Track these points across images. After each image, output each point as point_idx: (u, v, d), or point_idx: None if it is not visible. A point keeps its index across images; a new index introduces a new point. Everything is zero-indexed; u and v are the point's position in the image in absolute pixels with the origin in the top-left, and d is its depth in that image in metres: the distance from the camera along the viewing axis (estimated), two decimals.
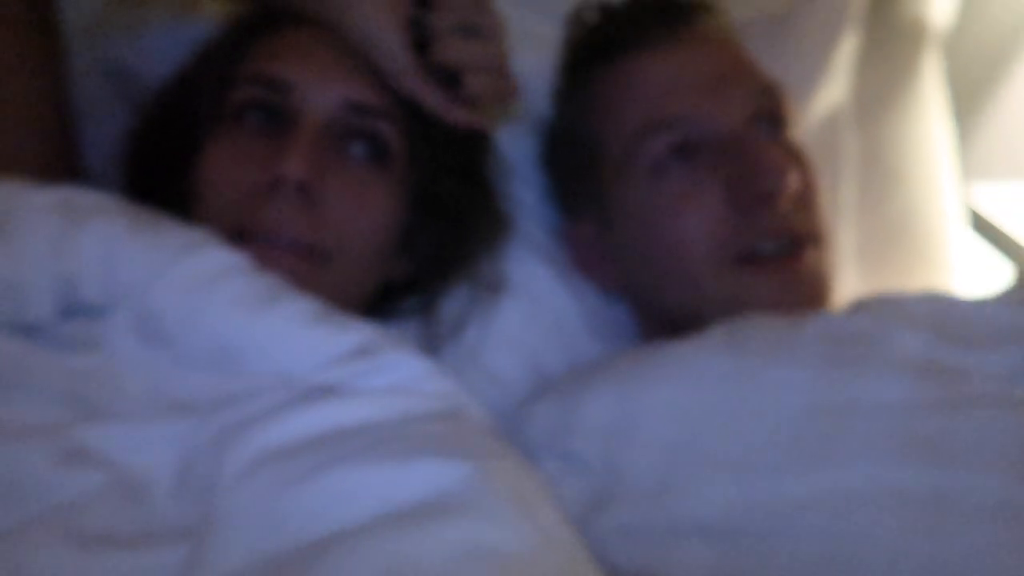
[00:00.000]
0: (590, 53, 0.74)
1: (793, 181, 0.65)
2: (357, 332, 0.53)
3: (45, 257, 0.50)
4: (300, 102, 0.61)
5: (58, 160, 0.65)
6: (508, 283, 0.73)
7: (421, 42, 0.62)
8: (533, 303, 0.75)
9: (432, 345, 0.69)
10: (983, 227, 1.05)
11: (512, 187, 0.75)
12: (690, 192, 0.67)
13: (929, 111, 0.96)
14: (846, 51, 0.90)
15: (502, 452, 0.48)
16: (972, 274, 0.98)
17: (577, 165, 0.75)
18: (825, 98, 0.90)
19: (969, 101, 1.06)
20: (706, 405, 0.57)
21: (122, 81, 0.74)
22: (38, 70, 0.65)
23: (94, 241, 0.51)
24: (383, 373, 0.51)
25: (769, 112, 0.69)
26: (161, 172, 0.65)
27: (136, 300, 0.51)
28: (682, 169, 0.67)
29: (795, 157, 0.69)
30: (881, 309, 0.63)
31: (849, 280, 0.89)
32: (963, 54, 1.02)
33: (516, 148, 0.77)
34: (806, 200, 0.68)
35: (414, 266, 0.69)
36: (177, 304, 0.51)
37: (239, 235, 0.57)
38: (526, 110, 0.77)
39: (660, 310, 0.73)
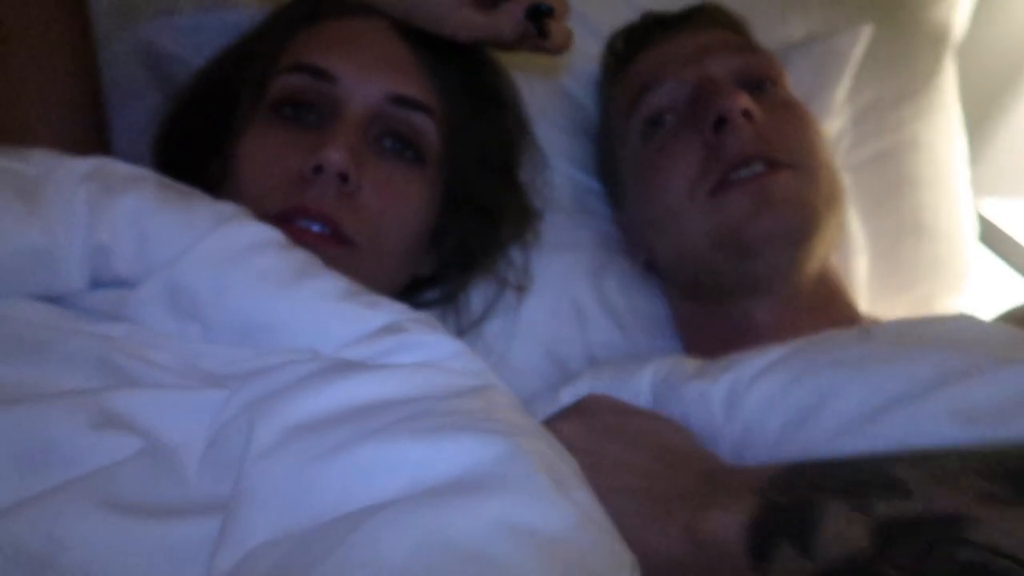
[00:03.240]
0: (611, 69, 0.83)
1: (744, 102, 0.68)
2: (388, 311, 0.52)
3: (78, 227, 0.50)
4: (343, 93, 0.61)
5: (87, 139, 0.65)
6: (533, 276, 0.73)
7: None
8: (555, 295, 0.75)
9: (454, 335, 0.69)
10: (991, 237, 1.06)
11: (545, 180, 0.76)
12: (671, 145, 0.72)
13: (945, 116, 0.97)
14: (842, 92, 0.92)
15: (535, 430, 0.48)
16: (980, 281, 0.99)
17: (604, 158, 0.82)
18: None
19: (979, 119, 1.07)
20: None
21: (154, 64, 0.75)
22: (69, 48, 0.65)
23: (127, 212, 0.51)
24: (413, 351, 0.50)
25: (751, 71, 0.74)
26: (193, 156, 0.65)
27: (166, 272, 0.50)
28: (666, 127, 0.74)
29: (781, 107, 0.73)
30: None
31: (861, 278, 0.90)
32: (973, 75, 1.03)
33: (549, 142, 0.79)
34: (786, 134, 0.71)
35: (441, 261, 0.69)
36: (207, 277, 0.50)
37: (276, 220, 0.57)
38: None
39: (670, 269, 0.77)
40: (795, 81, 0.84)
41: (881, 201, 0.92)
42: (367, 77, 0.62)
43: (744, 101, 0.69)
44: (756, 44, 0.81)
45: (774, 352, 0.59)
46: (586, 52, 0.86)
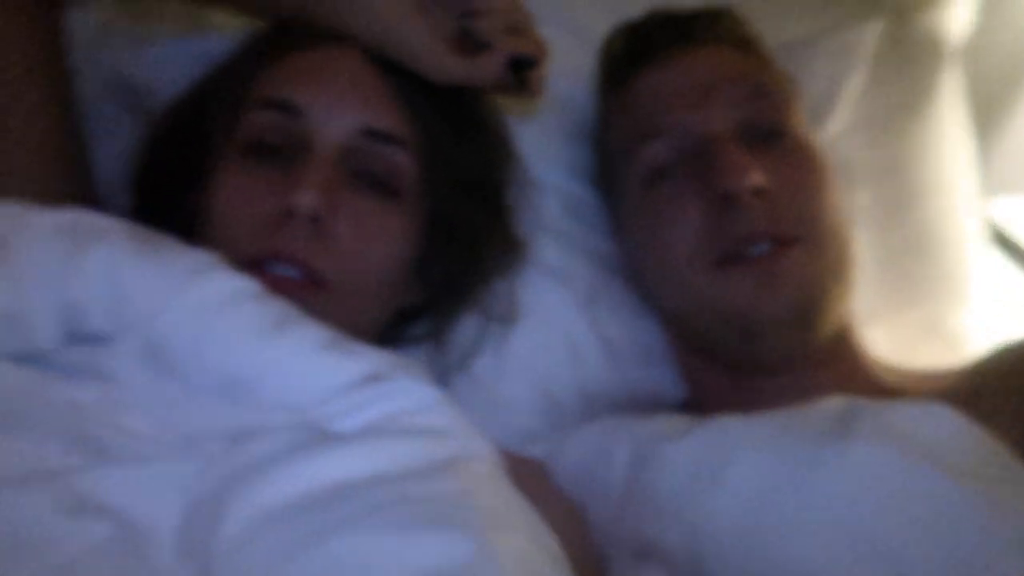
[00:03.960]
0: (609, 77, 0.78)
1: (755, 179, 0.64)
2: (368, 359, 0.51)
3: (50, 284, 0.48)
4: (313, 127, 0.59)
5: (67, 182, 0.63)
6: (521, 309, 0.71)
7: (473, 49, 0.60)
8: (546, 329, 0.73)
9: (442, 371, 0.67)
10: (1004, 241, 1.03)
11: (534, 203, 0.74)
12: (674, 202, 0.68)
13: (948, 125, 0.94)
14: (853, 86, 0.89)
15: (514, 514, 0.47)
16: (991, 288, 0.97)
17: (603, 171, 0.79)
18: (832, 130, 0.88)
19: (988, 116, 1.04)
20: None
21: (127, 95, 0.72)
22: (45, 85, 0.62)
23: (100, 267, 0.49)
24: (392, 400, 0.49)
25: (758, 119, 0.69)
26: (169, 193, 0.63)
27: (143, 327, 0.49)
28: (669, 180, 0.69)
29: (790, 160, 0.68)
30: None
31: (868, 292, 0.87)
32: (982, 70, 1.01)
33: (540, 164, 0.76)
34: (795, 199, 0.67)
35: (426, 293, 0.67)
36: (185, 332, 0.49)
37: (250, 264, 0.55)
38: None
39: (668, 316, 0.74)
40: (804, 78, 0.81)
41: (887, 215, 0.89)
42: (337, 110, 0.60)
43: (755, 178, 0.64)
44: (768, 64, 0.75)
45: (761, 420, 0.57)
46: (572, 51, 0.81)
